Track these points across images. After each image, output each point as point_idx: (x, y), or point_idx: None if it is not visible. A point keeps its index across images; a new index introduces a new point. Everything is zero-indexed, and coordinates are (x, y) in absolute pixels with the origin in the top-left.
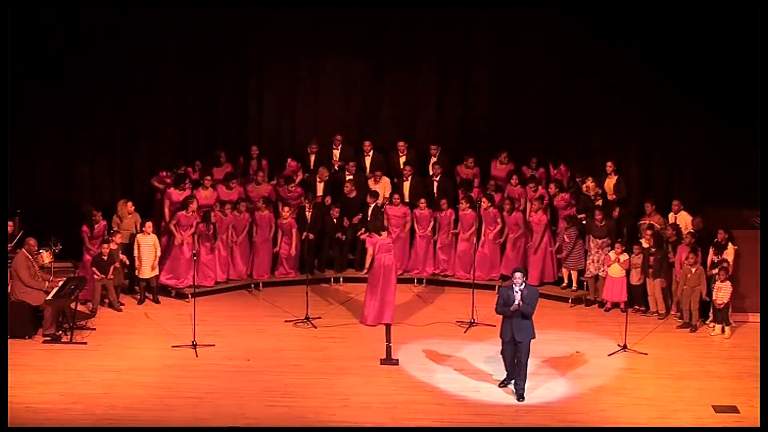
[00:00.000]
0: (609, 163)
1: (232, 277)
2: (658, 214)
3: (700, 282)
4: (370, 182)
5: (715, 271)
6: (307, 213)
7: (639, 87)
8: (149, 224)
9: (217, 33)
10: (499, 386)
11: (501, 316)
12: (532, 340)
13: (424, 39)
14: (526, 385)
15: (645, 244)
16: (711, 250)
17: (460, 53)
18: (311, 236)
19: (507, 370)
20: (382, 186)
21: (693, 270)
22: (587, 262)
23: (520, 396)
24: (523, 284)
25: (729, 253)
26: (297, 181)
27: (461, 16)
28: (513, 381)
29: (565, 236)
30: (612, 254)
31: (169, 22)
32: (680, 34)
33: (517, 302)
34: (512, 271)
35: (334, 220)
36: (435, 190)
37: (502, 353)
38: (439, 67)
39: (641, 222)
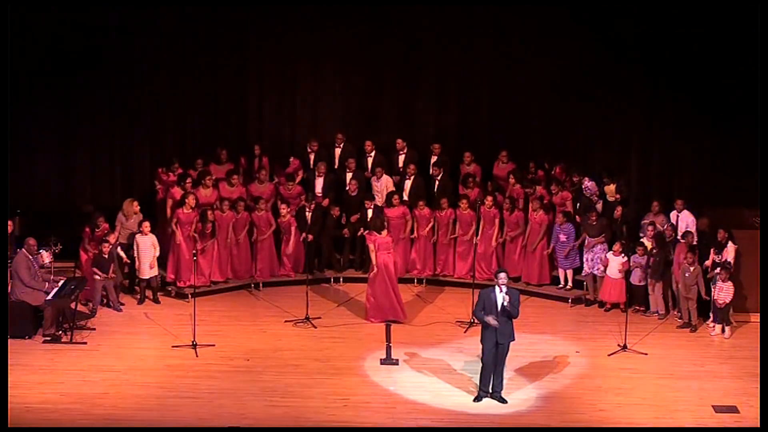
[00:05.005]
0: (604, 178)
1: (231, 277)
2: (663, 214)
3: (698, 282)
4: (372, 181)
5: (717, 270)
6: (307, 213)
7: (639, 87)
8: (147, 224)
9: (218, 32)
10: (475, 401)
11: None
12: (512, 342)
13: (424, 39)
14: (533, 388)
15: (647, 245)
16: (712, 250)
17: (460, 53)
18: (310, 237)
19: (482, 379)
20: (384, 185)
21: (691, 269)
22: (582, 260)
23: (503, 399)
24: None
25: (729, 252)
26: (297, 179)
27: (461, 15)
28: (491, 388)
29: (561, 235)
30: (610, 255)
31: (169, 21)
32: (680, 34)
33: (495, 321)
34: (496, 273)
35: (334, 219)
36: (435, 190)
37: (483, 359)
38: (439, 67)
39: (644, 221)
